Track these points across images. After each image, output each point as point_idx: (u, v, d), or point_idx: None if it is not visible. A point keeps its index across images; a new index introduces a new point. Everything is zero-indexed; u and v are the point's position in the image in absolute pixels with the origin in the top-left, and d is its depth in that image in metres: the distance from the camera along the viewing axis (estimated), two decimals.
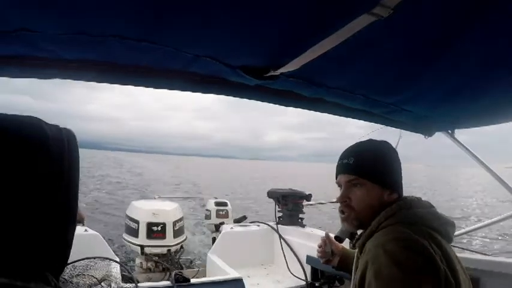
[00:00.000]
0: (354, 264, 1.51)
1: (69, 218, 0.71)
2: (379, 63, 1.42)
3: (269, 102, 1.70)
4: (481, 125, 2.32)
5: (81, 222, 0.86)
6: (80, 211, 0.75)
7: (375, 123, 2.16)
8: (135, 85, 1.41)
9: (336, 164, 1.49)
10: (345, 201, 1.42)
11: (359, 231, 1.46)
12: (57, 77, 1.32)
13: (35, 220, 0.63)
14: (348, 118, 2.02)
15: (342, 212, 1.43)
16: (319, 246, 1.93)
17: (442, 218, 1.33)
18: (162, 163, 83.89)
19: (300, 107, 1.77)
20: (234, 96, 1.58)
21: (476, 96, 1.78)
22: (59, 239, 0.69)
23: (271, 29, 1.13)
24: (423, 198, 1.41)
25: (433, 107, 1.99)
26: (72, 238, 0.74)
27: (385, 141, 1.49)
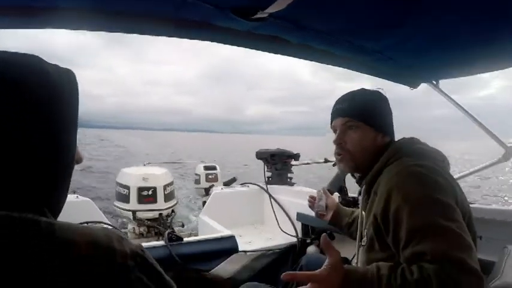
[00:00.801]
0: (361, 210, 1.57)
1: (68, 155, 0.72)
2: (364, 8, 1.43)
3: (257, 49, 1.70)
4: (465, 75, 2.37)
5: (79, 161, 0.87)
6: (78, 150, 0.74)
7: (361, 72, 2.17)
8: (123, 31, 1.40)
9: (331, 110, 1.55)
10: (340, 144, 1.48)
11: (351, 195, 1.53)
12: (43, 25, 1.29)
13: (33, 157, 0.63)
14: (334, 66, 2.03)
15: (337, 154, 1.49)
16: (311, 197, 1.98)
17: (442, 154, 1.41)
18: (145, 139, 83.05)
19: (287, 54, 1.78)
20: (223, 43, 1.57)
21: (460, 45, 1.80)
22: (58, 176, 0.70)
23: None
24: None
25: (417, 56, 2.01)
26: (71, 176, 0.75)
27: (377, 90, 1.53)
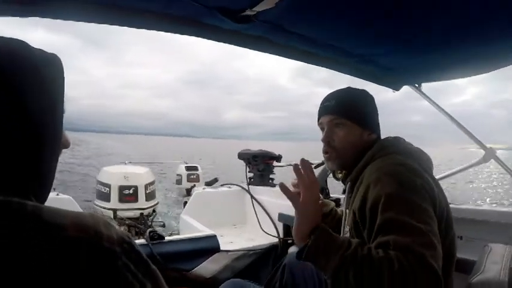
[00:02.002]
0: (345, 208, 1.59)
1: (53, 141, 0.71)
2: (347, 13, 1.46)
3: (244, 47, 1.70)
4: (448, 79, 2.43)
5: (67, 146, 0.85)
6: (65, 135, 0.74)
7: (344, 73, 2.20)
8: (112, 24, 1.38)
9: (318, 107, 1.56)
10: (327, 141, 1.50)
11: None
12: (31, 14, 1.27)
13: (17, 143, 0.63)
14: (318, 67, 2.05)
15: (325, 152, 1.51)
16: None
17: (425, 154, 1.44)
18: (123, 143, 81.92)
19: (273, 53, 1.79)
20: (211, 39, 1.58)
21: (443, 50, 1.84)
22: (43, 161, 0.69)
23: None
24: None
25: (401, 59, 2.05)
26: (57, 162, 0.75)
27: (364, 90, 1.57)
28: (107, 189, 4.65)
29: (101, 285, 0.56)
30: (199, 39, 1.57)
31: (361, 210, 1.25)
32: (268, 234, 3.43)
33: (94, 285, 0.55)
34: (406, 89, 2.59)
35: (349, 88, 1.56)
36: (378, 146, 1.43)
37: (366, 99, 1.54)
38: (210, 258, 2.65)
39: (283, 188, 1.20)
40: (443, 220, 1.23)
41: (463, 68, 2.17)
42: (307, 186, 1.20)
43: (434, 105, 2.51)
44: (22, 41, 0.69)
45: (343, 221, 1.60)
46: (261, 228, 3.56)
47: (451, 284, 1.30)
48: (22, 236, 0.53)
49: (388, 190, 1.17)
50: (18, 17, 1.29)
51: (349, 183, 1.50)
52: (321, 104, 1.55)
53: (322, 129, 1.54)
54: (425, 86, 2.52)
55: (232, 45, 1.63)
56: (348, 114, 1.47)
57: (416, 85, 2.49)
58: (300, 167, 1.20)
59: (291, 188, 1.22)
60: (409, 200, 1.14)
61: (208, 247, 2.70)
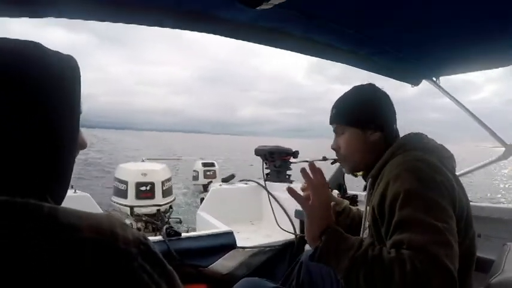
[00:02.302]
0: (366, 205, 1.57)
1: (70, 142, 0.71)
2: None
3: (259, 42, 1.68)
4: (467, 71, 2.38)
5: (84, 147, 0.86)
6: (82, 135, 0.74)
7: (362, 68, 2.17)
8: (126, 22, 1.39)
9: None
10: (334, 150, 1.55)
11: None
12: (41, 14, 1.27)
13: (34, 144, 0.63)
14: (335, 62, 2.02)
15: (335, 160, 1.55)
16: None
17: (447, 150, 1.41)
18: (141, 139, 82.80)
19: (288, 48, 1.78)
20: (224, 35, 1.56)
21: (462, 42, 1.81)
22: (60, 162, 0.69)
23: None
24: None
25: (420, 51, 2.01)
26: (73, 163, 0.75)
27: (370, 83, 1.54)
28: (124, 186, 4.69)
29: (116, 287, 0.55)
30: (217, 37, 1.56)
31: (380, 206, 1.24)
32: (284, 230, 3.41)
33: (110, 286, 0.55)
34: (424, 85, 2.55)
35: (352, 89, 1.54)
36: (399, 143, 1.41)
37: (369, 95, 1.51)
38: (226, 254, 2.65)
39: (292, 191, 1.25)
40: (463, 219, 1.20)
41: (482, 60, 2.14)
42: (315, 189, 1.23)
43: (453, 100, 2.47)
44: (37, 43, 0.69)
45: (363, 218, 1.58)
46: (278, 224, 3.54)
47: (469, 284, 1.26)
48: (37, 239, 0.53)
49: (407, 186, 1.15)
50: (33, 18, 1.30)
51: (370, 179, 1.48)
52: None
53: None
54: (443, 84, 2.48)
55: (248, 42, 1.61)
56: (345, 121, 1.49)
57: (435, 79, 2.45)
58: (308, 170, 1.24)
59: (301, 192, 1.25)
60: (428, 196, 1.12)
61: (224, 243, 2.70)
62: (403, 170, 1.21)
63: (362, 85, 1.53)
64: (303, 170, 1.24)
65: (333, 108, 1.54)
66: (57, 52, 0.72)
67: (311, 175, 1.26)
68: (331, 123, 1.54)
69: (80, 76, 0.75)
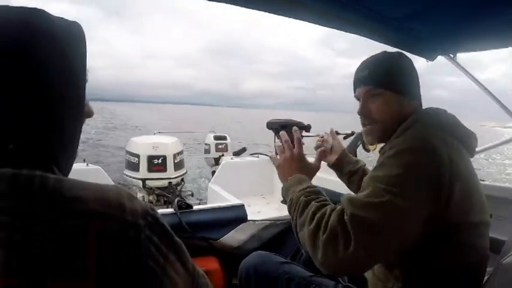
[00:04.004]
0: None
1: (76, 109, 0.70)
2: None
3: (273, 12, 1.60)
4: (484, 49, 2.28)
5: (90, 115, 0.85)
6: (88, 104, 0.73)
7: (377, 41, 2.09)
8: None
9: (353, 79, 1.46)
10: (364, 114, 1.40)
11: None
12: None
13: (40, 111, 0.62)
14: (352, 34, 1.96)
15: (364, 125, 1.42)
16: (321, 136, 1.97)
17: (466, 129, 1.30)
18: (147, 111, 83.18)
19: (302, 18, 1.72)
20: (239, 5, 1.49)
21: (481, 18, 1.73)
22: (66, 132, 0.68)
23: None
24: None
25: (437, 26, 1.93)
26: (80, 132, 0.75)
27: (399, 51, 1.45)
28: (136, 159, 4.72)
29: (123, 259, 0.55)
30: (221, 9, 1.51)
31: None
32: None
33: (116, 258, 0.54)
34: (437, 61, 2.46)
35: (383, 53, 1.42)
36: (412, 119, 1.29)
37: (403, 63, 1.39)
38: (237, 227, 2.65)
39: (284, 135, 1.60)
40: (466, 198, 1.10)
41: (501, 37, 2.03)
42: (281, 151, 1.55)
43: (469, 76, 2.40)
44: (41, 9, 0.67)
45: None
46: None
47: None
48: (42, 213, 0.52)
49: (387, 166, 1.11)
50: None
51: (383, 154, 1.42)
52: (355, 74, 1.44)
53: (358, 100, 1.43)
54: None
55: (258, 12, 1.56)
56: (383, 83, 1.34)
57: (451, 55, 2.37)
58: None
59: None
60: (398, 180, 1.05)
61: (235, 216, 2.70)
62: (396, 149, 1.13)
63: (392, 51, 1.43)
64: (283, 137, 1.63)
65: (363, 69, 1.39)
66: (62, 18, 0.70)
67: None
68: (363, 85, 1.38)
69: (85, 43, 0.73)
